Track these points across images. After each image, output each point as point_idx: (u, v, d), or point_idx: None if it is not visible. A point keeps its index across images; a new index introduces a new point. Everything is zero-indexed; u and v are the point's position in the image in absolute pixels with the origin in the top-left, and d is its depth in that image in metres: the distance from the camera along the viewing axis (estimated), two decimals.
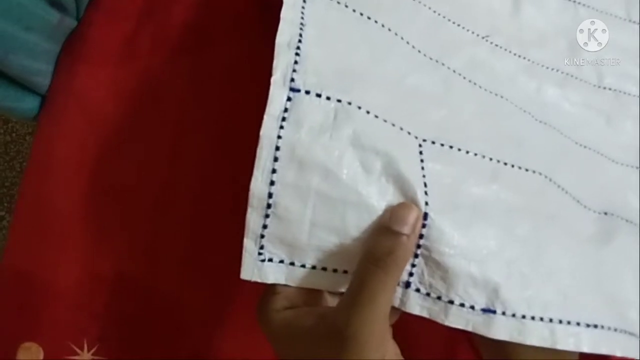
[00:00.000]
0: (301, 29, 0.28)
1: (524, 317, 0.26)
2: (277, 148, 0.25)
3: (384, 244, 0.23)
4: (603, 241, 0.30)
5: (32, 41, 0.34)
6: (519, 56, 0.36)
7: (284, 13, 0.28)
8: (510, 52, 0.36)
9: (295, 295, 0.26)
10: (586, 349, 0.27)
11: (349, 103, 0.27)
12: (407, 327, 0.36)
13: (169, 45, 0.38)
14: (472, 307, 0.26)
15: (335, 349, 0.22)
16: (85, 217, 0.36)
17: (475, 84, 0.33)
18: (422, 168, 0.27)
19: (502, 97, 0.33)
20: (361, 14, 0.30)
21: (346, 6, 0.30)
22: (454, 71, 0.32)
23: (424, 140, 0.28)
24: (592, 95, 0.37)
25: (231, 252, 0.36)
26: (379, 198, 0.26)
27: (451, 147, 0.29)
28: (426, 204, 0.26)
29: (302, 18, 0.28)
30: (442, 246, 0.26)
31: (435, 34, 0.33)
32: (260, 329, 0.36)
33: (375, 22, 0.30)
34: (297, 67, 0.27)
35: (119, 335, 0.35)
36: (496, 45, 0.36)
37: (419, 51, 0.32)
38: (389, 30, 0.31)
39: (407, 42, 0.31)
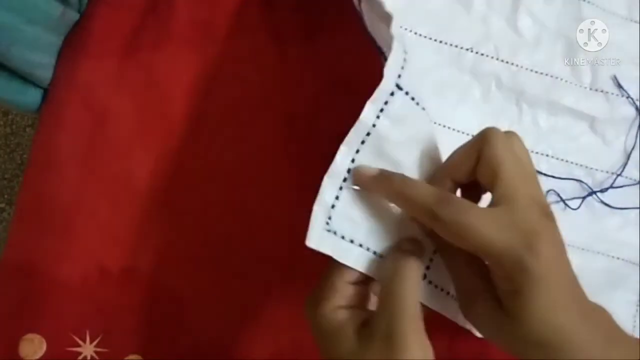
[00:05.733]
0: None
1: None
2: (368, 134, 0.27)
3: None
4: None
5: (34, 34, 0.34)
6: (507, 62, 0.38)
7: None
8: (497, 59, 0.38)
9: (351, 295, 0.27)
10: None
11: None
12: None
13: (172, 39, 0.38)
14: None
15: (382, 350, 0.24)
16: (89, 210, 0.36)
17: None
18: None
19: (449, 127, 0.38)
20: None
21: None
22: None
23: None
24: (581, 98, 0.39)
25: (238, 250, 0.37)
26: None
27: None
28: None
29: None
30: None
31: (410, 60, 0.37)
32: (261, 328, 0.36)
33: None
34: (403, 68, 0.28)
35: (122, 327, 0.35)
36: (482, 55, 0.38)
37: None
38: None
39: None
